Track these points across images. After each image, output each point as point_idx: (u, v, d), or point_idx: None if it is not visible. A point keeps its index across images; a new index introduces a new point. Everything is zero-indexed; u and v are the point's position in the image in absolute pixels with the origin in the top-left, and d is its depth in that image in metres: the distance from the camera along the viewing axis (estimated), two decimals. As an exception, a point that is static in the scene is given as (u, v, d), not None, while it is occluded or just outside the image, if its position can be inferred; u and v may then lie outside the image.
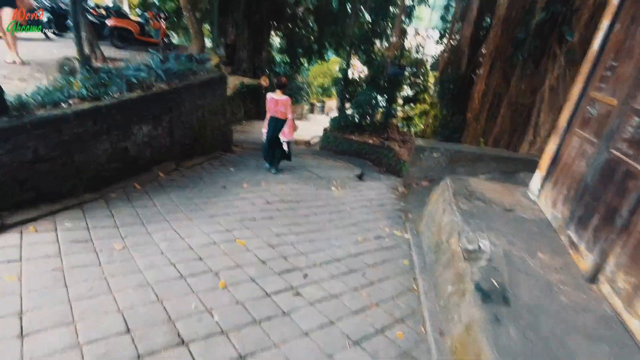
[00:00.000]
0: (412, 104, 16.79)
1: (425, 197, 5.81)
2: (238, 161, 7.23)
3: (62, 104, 3.96)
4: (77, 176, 3.99)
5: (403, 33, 14.82)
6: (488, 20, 11.88)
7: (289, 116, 6.52)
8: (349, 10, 22.21)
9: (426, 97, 17.42)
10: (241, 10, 21.09)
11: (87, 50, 6.82)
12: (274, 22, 23.23)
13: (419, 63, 15.31)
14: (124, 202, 4.19)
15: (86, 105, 4.04)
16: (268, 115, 6.58)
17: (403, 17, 14.70)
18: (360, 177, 7.60)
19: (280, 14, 22.78)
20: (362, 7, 19.60)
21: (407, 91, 16.87)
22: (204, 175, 5.81)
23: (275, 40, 25.49)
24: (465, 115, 12.56)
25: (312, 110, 25.03)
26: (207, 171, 6.06)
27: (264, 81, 20.63)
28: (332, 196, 5.76)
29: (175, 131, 5.76)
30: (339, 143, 13.79)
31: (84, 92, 4.23)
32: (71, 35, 10.45)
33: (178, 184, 5.11)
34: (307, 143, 17.49)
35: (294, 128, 6.71)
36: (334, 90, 28.07)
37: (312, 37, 23.66)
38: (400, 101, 16.21)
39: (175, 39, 21.33)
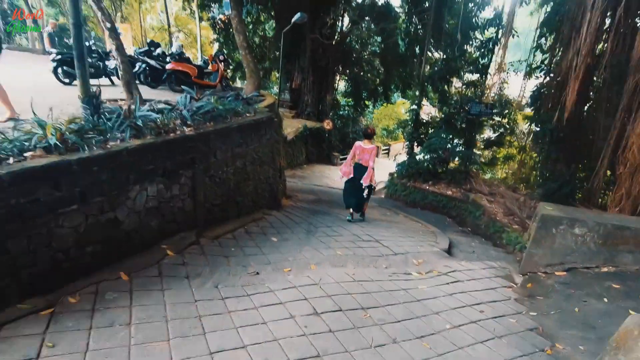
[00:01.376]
0: (495, 148, 14.14)
1: (571, 303, 3.48)
2: (285, 224, 5.45)
3: (7, 161, 2.52)
4: (12, 276, 2.43)
5: (485, 68, 12.60)
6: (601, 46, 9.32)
7: (370, 164, 6.28)
8: (416, 50, 20.65)
9: (510, 139, 14.68)
10: (307, 56, 20.57)
11: (125, 92, 5.77)
12: (340, 67, 22.41)
13: (504, 101, 12.83)
14: (79, 317, 2.50)
15: (42, 162, 2.56)
16: (350, 161, 6.48)
17: (498, 50, 12.54)
18: (448, 252, 5.35)
19: (346, 58, 21.90)
20: (432, 46, 17.88)
21: (487, 133, 14.34)
22: (232, 251, 4.06)
23: (341, 83, 24.59)
24: (574, 166, 9.72)
25: (377, 154, 23.20)
26: (239, 244, 4.32)
27: (328, 125, 19.38)
28: (414, 293, 3.63)
29: (200, 190, 4.18)
30: (409, 193, 11.58)
31: (53, 141, 2.79)
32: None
33: (188, 270, 3.38)
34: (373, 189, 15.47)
35: (373, 178, 6.41)
36: (399, 133, 26.09)
37: (377, 80, 22.28)
38: (480, 145, 13.67)
39: (237, 84, 21.29)
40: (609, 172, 8.69)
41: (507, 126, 13.17)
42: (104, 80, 9.30)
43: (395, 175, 13.54)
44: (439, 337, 2.91)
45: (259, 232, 4.83)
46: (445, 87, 13.85)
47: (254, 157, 5.54)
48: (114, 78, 9.16)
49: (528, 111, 14.51)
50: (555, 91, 9.85)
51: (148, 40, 11.66)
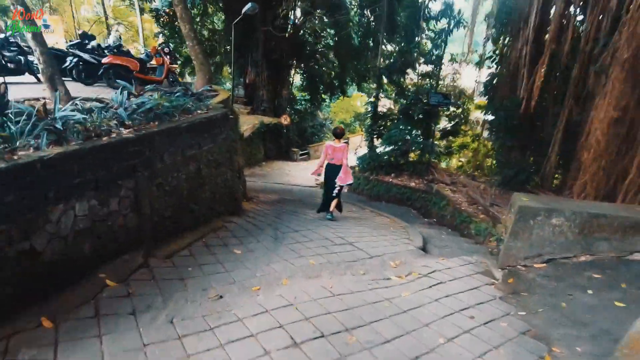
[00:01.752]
0: (450, 137, 14.37)
1: (557, 297, 3.32)
2: (249, 232, 4.88)
3: None
4: None
5: (438, 60, 12.67)
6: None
7: (344, 162, 6.23)
8: (370, 43, 20.57)
9: (464, 129, 15.02)
10: (260, 49, 19.72)
11: (48, 88, 4.86)
12: (294, 60, 21.79)
13: (458, 91, 13.03)
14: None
15: None
16: (323, 161, 6.38)
17: (434, 42, 12.60)
18: (424, 249, 5.09)
19: (300, 51, 21.33)
20: (385, 39, 17.85)
21: (443, 123, 14.54)
22: (189, 271, 3.45)
23: (296, 77, 23.98)
24: (528, 153, 10.00)
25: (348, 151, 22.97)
26: (197, 261, 3.71)
27: (285, 120, 18.77)
28: (399, 302, 3.27)
29: (146, 202, 3.51)
30: (373, 186, 11.39)
31: None
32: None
33: (134, 302, 2.76)
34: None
35: (346, 174, 6.34)
36: (357, 126, 26.08)
37: (333, 73, 21.96)
38: (437, 135, 13.82)
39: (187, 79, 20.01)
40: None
41: (462, 116, 13.41)
42: (28, 77, 8.08)
43: (357, 169, 13.32)
44: (435, 356, 2.56)
45: (220, 244, 4.24)
46: (401, 79, 13.80)
47: (209, 159, 4.90)
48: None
49: (481, 100, 14.93)
50: (507, 81, 10.05)
51: (80, 32, 10.35)
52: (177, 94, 5.25)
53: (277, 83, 20.55)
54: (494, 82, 10.56)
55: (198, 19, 20.06)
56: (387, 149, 12.55)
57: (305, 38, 21.38)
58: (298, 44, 20.89)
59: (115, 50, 9.02)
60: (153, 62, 9.09)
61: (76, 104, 3.51)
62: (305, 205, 8.45)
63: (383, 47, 16.49)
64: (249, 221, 5.44)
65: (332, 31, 20.64)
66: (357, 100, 27.33)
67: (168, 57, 8.89)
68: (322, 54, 21.61)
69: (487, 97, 11.26)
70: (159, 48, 8.89)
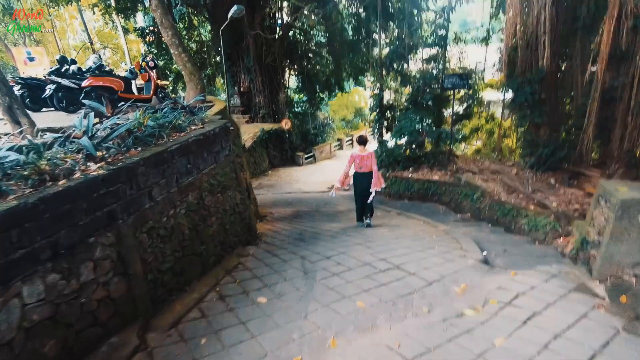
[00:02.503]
0: (464, 121, 13.34)
1: None
2: (270, 267, 3.90)
3: None
4: None
5: (442, 41, 11.64)
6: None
7: (374, 168, 5.96)
8: (363, 33, 19.57)
9: (477, 110, 13.97)
10: (251, 55, 18.79)
11: (8, 122, 3.96)
12: (287, 62, 20.84)
13: (467, 71, 12.00)
14: None
15: None
16: (348, 171, 6.07)
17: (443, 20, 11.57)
18: (486, 262, 4.10)
19: (292, 52, 20.38)
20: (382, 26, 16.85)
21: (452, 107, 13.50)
22: (202, 344, 2.52)
23: (291, 80, 23.03)
24: (556, 128, 8.98)
25: (340, 146, 21.93)
26: (212, 325, 2.76)
27: (286, 124, 17.83)
28: (497, 358, 2.31)
29: (134, 258, 2.58)
30: (391, 184, 10.39)
31: None
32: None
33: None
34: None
35: (382, 181, 6.15)
36: (360, 122, 25.11)
37: (328, 70, 20.98)
38: (448, 120, 12.80)
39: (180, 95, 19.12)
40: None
41: (474, 97, 12.38)
42: None
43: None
44: None
45: (239, 292, 3.28)
46: (405, 65, 12.79)
47: (212, 183, 3.96)
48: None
49: (492, 79, 13.89)
50: (526, 52, 9.02)
51: (58, 57, 9.47)
52: (165, 109, 4.32)
53: (272, 87, 19.62)
54: (512, 55, 9.51)
55: (185, 33, 19.18)
56: (400, 141, 11.57)
57: (297, 38, 20.43)
58: (289, 44, 19.96)
59: (96, 71, 8.13)
60: (140, 80, 8.16)
61: (26, 137, 2.58)
62: (324, 216, 7.50)
63: (383, 34, 15.51)
64: (269, 250, 4.49)
65: (323, 27, 19.67)
66: (356, 95, 26.34)
67: (154, 71, 7.96)
68: (315, 52, 20.64)
69: (504, 73, 10.21)
70: (143, 63, 7.96)
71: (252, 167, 14.44)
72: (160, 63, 17.54)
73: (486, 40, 12.59)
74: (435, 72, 12.11)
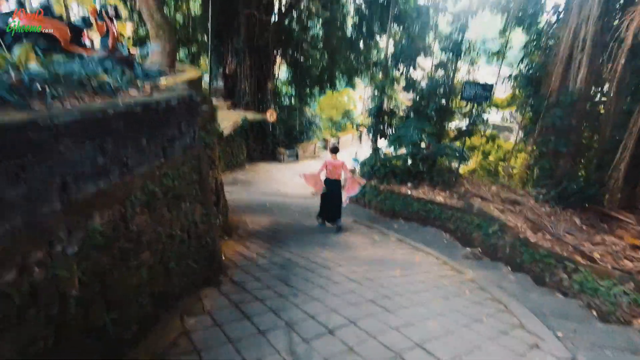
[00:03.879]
0: (465, 139, 12.12)
1: None
2: (236, 345, 2.26)
3: None
4: None
5: (457, 46, 10.32)
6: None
7: (348, 175, 6.54)
8: (364, 32, 18.11)
9: (478, 129, 12.81)
10: (242, 36, 16.83)
11: None
12: (279, 50, 19.00)
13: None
14: None
15: None
16: (322, 176, 6.39)
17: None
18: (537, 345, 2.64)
19: (287, 39, 18.58)
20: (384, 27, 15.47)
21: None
22: None
23: (281, 71, 21.20)
24: (578, 159, 7.84)
25: (326, 147, 20.32)
26: None
27: (271, 116, 16.02)
28: None
29: None
30: (385, 199, 8.92)
31: None
32: None
33: None
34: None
35: (358, 184, 6.65)
36: (348, 123, 23.64)
37: (322, 65, 19.33)
38: (452, 135, 11.55)
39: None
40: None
41: (479, 113, 11.16)
42: None
43: (359, 175, 10.86)
44: None
45: None
46: (411, 69, 11.40)
47: (152, 191, 2.25)
48: None
49: (499, 97, 12.76)
50: (558, 70, 7.80)
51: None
52: (93, 59, 2.57)
53: (260, 75, 17.74)
54: (536, 73, 8.29)
55: (172, 3, 16.95)
56: (399, 151, 10.17)
57: (292, 27, 18.64)
58: (284, 31, 18.17)
59: (40, 11, 6.08)
60: (93, 28, 6.20)
61: None
62: (311, 235, 5.89)
63: (391, 31, 14.06)
64: (236, 300, 2.82)
65: (322, 19, 18.00)
66: (346, 96, 24.85)
67: (114, 22, 6.04)
68: (310, 43, 18.93)
69: (525, 92, 9.00)
70: (102, 10, 6.02)
71: (228, 157, 12.60)
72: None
73: (500, 54, 11.40)
74: (443, 80, 10.78)
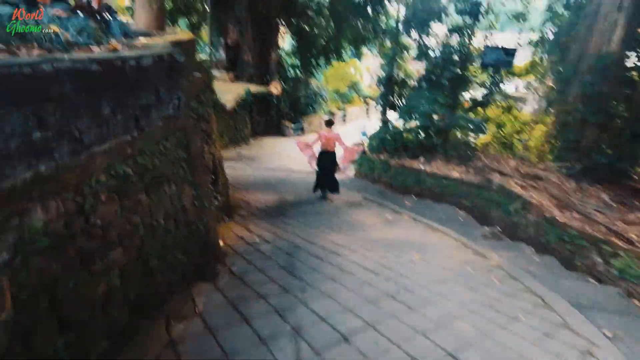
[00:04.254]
0: (479, 109, 11.38)
1: None
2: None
3: None
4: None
5: (476, 7, 9.40)
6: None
7: (343, 145, 6.56)
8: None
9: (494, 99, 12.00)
10: (244, 2, 15.81)
11: None
12: (283, 19, 17.91)
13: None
14: None
15: None
16: (317, 149, 6.46)
17: None
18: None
19: (290, 8, 17.46)
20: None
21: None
22: None
23: (286, 41, 20.12)
24: (605, 131, 7.16)
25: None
26: None
27: (276, 88, 15.27)
28: None
29: None
30: (397, 174, 8.42)
31: None
32: None
33: None
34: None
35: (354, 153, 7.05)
36: (355, 95, 22.74)
37: (328, 34, 18.25)
38: (465, 105, 10.81)
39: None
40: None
41: (498, 82, 10.37)
42: None
43: (368, 148, 10.31)
44: None
45: None
46: (424, 35, 10.52)
47: (122, 173, 1.78)
48: None
49: (518, 65, 11.83)
50: (588, 33, 6.99)
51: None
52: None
53: (264, 45, 16.80)
54: (569, 33, 7.44)
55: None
56: (409, 124, 9.55)
57: (296, -7, 17.43)
58: (288, -2, 17.01)
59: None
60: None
61: None
62: (319, 215, 5.45)
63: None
64: (234, 297, 2.41)
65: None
66: (352, 67, 23.77)
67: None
68: (315, 10, 17.77)
69: (552, 55, 8.21)
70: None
71: (231, 132, 12.06)
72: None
73: (523, 15, 10.43)
74: (458, 46, 9.94)
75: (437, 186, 7.31)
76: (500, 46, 7.60)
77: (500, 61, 7.22)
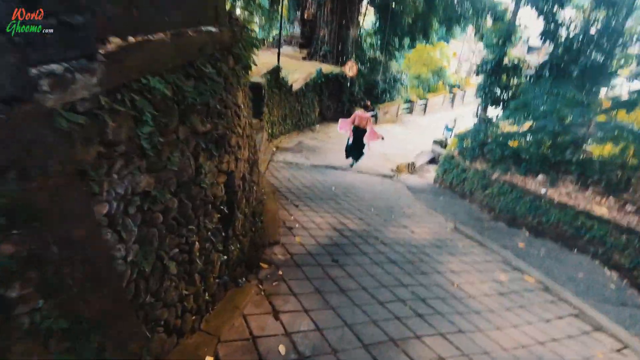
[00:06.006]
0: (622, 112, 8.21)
1: None
2: None
3: None
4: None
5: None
6: None
7: (369, 128, 7.27)
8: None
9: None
10: (324, -28, 13.88)
11: None
12: (366, -8, 15.58)
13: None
14: None
15: None
16: (351, 125, 7.28)
17: None
18: None
19: (376, -21, 15.03)
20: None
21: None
22: None
23: (367, 18, 17.74)
24: None
25: (410, 110, 16.97)
26: None
27: (351, 70, 13.24)
28: None
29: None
30: (499, 194, 6.09)
31: None
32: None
33: None
34: (411, 166, 9.96)
35: (377, 136, 7.42)
36: (440, 83, 19.69)
37: (418, 10, 15.45)
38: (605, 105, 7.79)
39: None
40: None
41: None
42: None
43: (456, 151, 7.99)
44: None
45: None
46: (560, 5, 7.66)
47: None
48: None
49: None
50: None
51: None
52: None
53: (342, 21, 14.76)
54: None
55: None
56: (521, 126, 7.02)
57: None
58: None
59: None
60: None
61: None
62: (393, 262, 3.57)
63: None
64: None
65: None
66: (438, 51, 20.51)
67: None
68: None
69: None
70: None
71: (296, 116, 10.52)
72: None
73: None
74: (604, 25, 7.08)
75: (569, 224, 4.91)
76: None
77: None
